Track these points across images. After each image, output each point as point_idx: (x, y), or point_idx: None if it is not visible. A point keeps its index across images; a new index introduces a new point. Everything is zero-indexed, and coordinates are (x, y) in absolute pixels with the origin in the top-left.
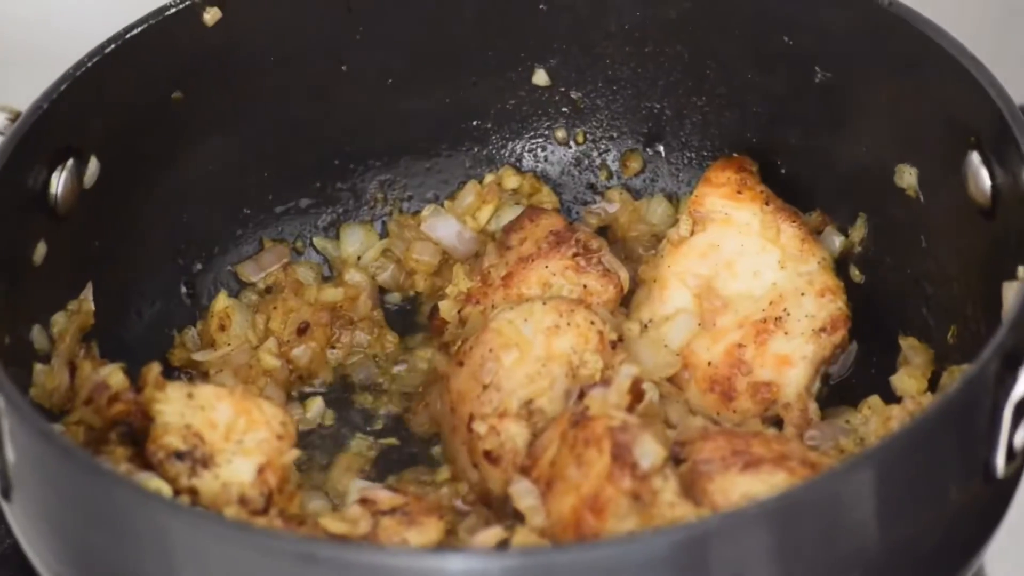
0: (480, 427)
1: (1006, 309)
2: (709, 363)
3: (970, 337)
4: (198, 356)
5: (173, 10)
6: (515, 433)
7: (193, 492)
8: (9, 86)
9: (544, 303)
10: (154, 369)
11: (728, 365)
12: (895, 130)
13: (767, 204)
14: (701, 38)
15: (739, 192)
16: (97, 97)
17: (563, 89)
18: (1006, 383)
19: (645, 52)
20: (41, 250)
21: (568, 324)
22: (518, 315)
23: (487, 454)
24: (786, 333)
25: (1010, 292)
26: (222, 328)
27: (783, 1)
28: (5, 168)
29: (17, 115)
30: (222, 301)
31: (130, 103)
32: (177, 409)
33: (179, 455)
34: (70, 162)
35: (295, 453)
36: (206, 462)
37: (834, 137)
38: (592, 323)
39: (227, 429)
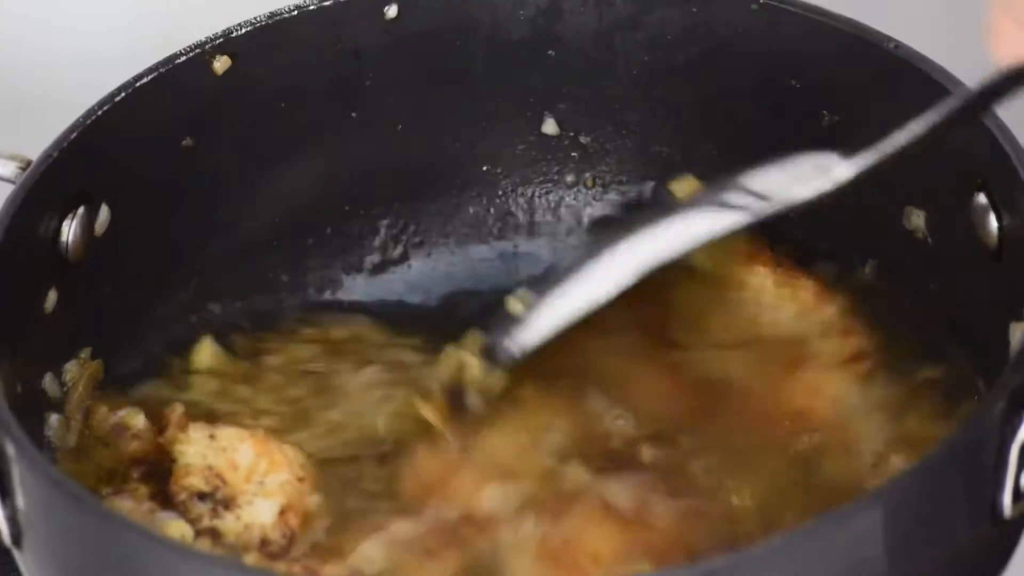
0: None
1: (1013, 350)
2: None
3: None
4: None
5: (183, 58)
6: None
7: (215, 533)
8: (20, 135)
9: None
10: (177, 410)
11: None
12: (902, 172)
13: (779, 267)
14: (709, 82)
15: (749, 258)
16: (107, 145)
17: (572, 134)
18: (1013, 423)
19: (653, 96)
20: (52, 298)
21: None
22: None
23: None
24: (825, 366)
25: (1018, 333)
26: None
27: (790, 46)
28: (16, 216)
29: (28, 164)
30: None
31: (141, 151)
32: (199, 450)
33: (201, 496)
34: (81, 210)
35: (317, 496)
36: (228, 503)
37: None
38: None
39: (248, 471)
